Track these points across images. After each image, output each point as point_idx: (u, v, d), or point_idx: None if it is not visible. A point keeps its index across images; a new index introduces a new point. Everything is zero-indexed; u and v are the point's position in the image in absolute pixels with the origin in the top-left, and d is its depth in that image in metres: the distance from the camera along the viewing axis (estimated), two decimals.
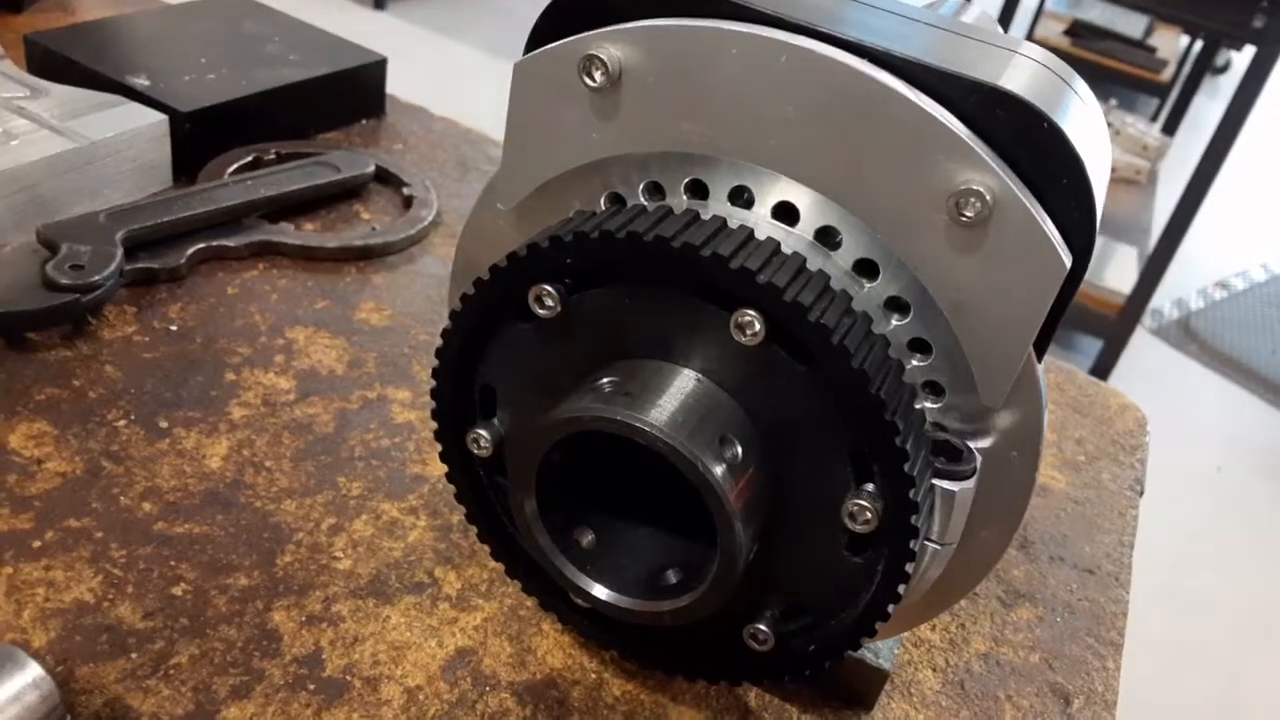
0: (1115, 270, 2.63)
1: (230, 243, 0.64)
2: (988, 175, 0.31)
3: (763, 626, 0.37)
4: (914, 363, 0.36)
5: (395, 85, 0.85)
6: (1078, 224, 0.32)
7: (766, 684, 0.45)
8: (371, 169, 0.73)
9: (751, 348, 0.32)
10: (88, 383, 0.53)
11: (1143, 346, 2.64)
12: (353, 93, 0.81)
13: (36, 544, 0.45)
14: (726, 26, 0.33)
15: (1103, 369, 2.44)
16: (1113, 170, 3.02)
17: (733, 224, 0.34)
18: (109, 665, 0.41)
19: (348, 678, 0.42)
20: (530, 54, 0.36)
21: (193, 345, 0.57)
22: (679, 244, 0.32)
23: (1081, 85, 0.36)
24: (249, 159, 0.71)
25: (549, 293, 0.34)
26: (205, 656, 0.42)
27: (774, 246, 0.33)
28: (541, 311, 0.35)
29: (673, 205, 0.37)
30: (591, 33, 0.34)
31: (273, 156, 0.73)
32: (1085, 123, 0.34)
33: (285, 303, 0.62)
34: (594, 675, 0.45)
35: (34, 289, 0.55)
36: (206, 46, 0.77)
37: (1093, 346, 2.48)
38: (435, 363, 0.39)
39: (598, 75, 0.34)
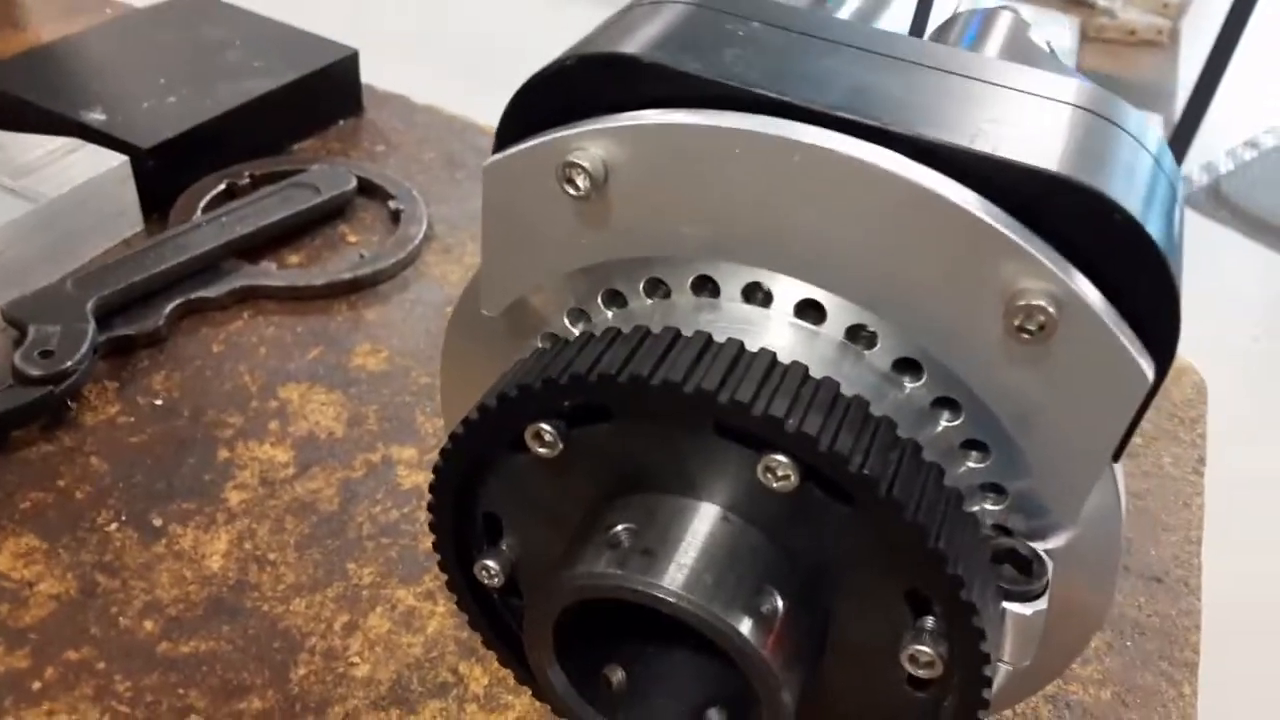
0: None
1: (210, 293, 0.60)
2: (1050, 281, 0.26)
3: None
4: (969, 464, 0.31)
5: (370, 64, 0.78)
6: (1159, 319, 0.27)
7: None
8: (353, 185, 0.68)
9: (785, 491, 0.28)
10: (73, 481, 0.50)
11: None
12: (326, 94, 0.75)
13: (36, 685, 0.42)
14: (725, 123, 0.27)
15: None
16: (1131, 33, 2.88)
17: (753, 339, 0.29)
18: None
19: None
20: (500, 154, 0.31)
21: (181, 420, 0.54)
22: (691, 389, 0.27)
23: (1133, 119, 0.30)
24: (222, 187, 0.67)
25: (548, 431, 0.30)
26: None
27: (801, 375, 0.28)
28: (540, 450, 0.31)
29: (679, 304, 0.32)
30: (568, 131, 0.29)
31: (247, 181, 0.68)
32: (1152, 184, 0.29)
33: (275, 356, 0.58)
34: None
35: (5, 383, 0.51)
36: (164, 63, 0.71)
37: None
38: (432, 486, 0.35)
39: (580, 182, 0.29)
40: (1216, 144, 2.78)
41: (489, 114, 0.80)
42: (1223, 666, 0.59)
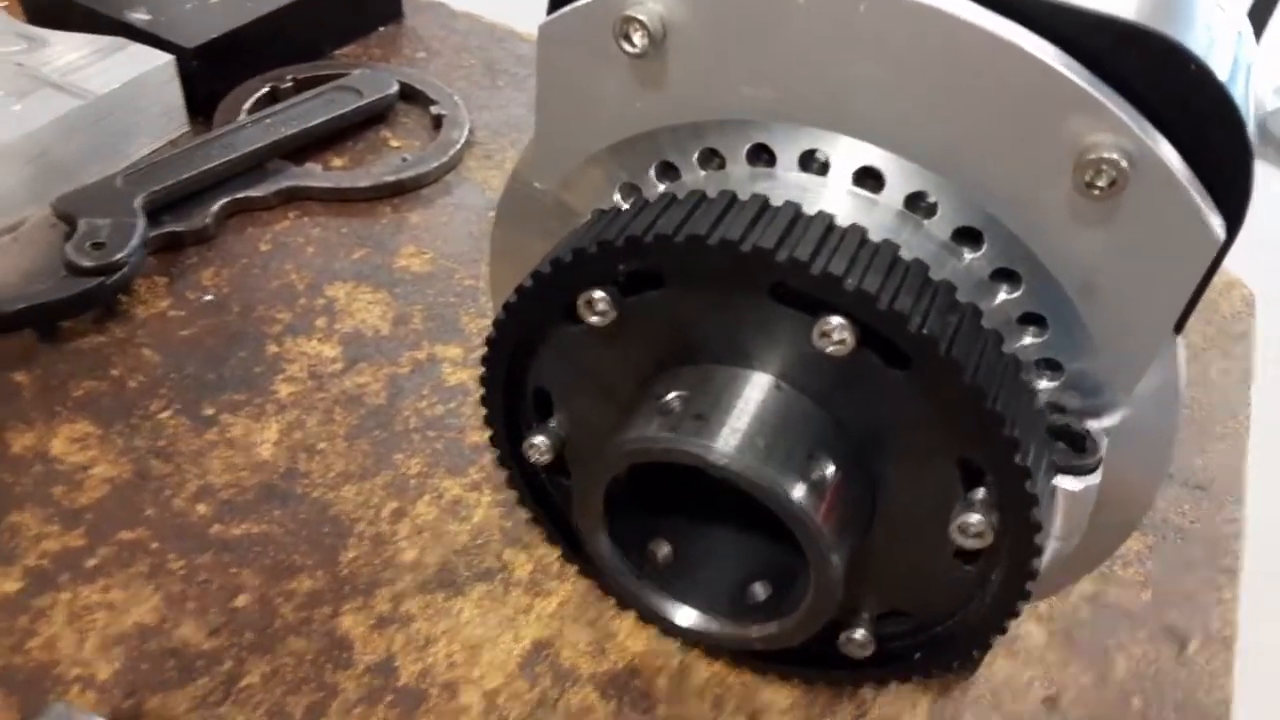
0: None
1: (257, 192, 0.60)
2: (1122, 135, 0.25)
3: (861, 632, 0.34)
4: (1027, 340, 0.31)
5: None
6: (1231, 179, 0.27)
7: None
8: (395, 89, 0.67)
9: (839, 356, 0.28)
10: (126, 371, 0.51)
11: None
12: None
13: (92, 563, 0.43)
14: None
15: None
16: None
17: (809, 206, 0.29)
18: (179, 694, 0.39)
19: (424, 685, 0.41)
20: (555, 13, 0.30)
21: (230, 316, 0.54)
22: (749, 247, 0.27)
23: None
24: (265, 90, 0.66)
25: (601, 299, 0.30)
26: (276, 674, 0.40)
27: (860, 237, 0.28)
28: (594, 319, 0.31)
29: (733, 175, 0.32)
30: None
31: (290, 84, 0.67)
32: (1231, 44, 0.28)
33: (321, 255, 0.58)
34: (677, 659, 0.42)
35: (57, 273, 0.52)
36: None
37: None
38: (481, 368, 0.35)
39: (638, 39, 0.29)
40: (1263, 81, 2.69)
41: (528, 21, 0.79)
42: (1266, 575, 0.59)
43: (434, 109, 0.67)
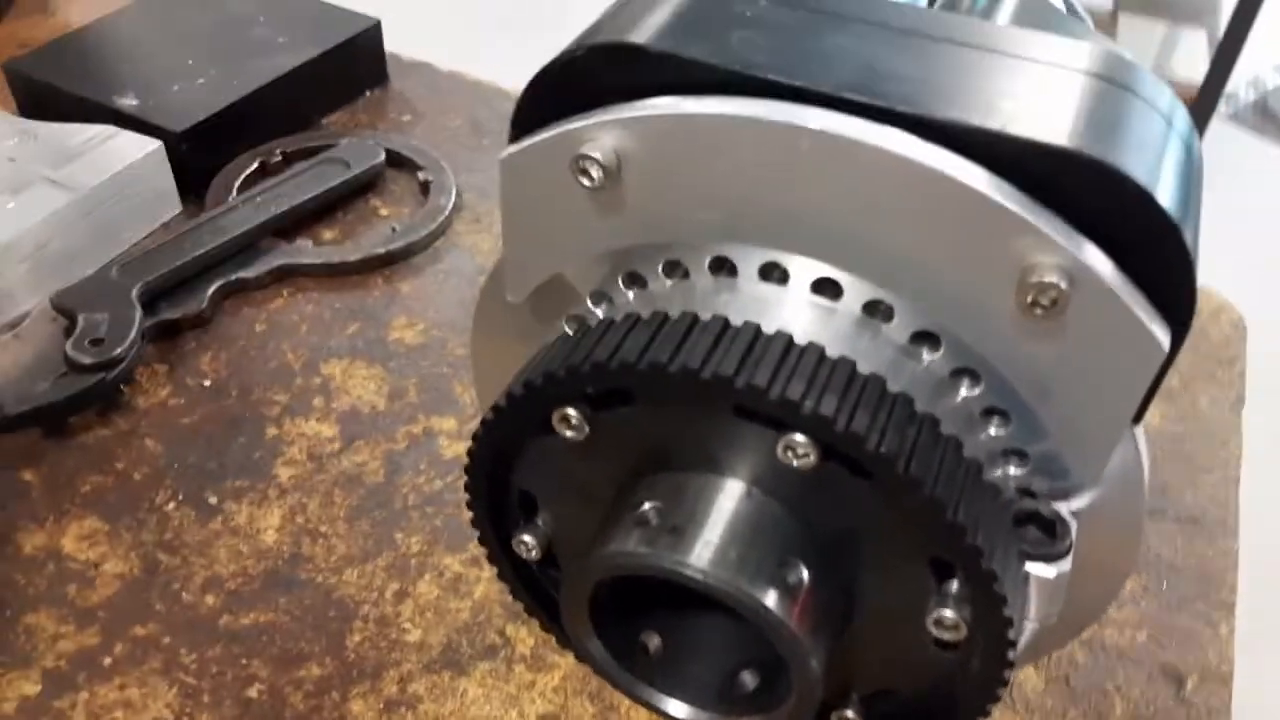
0: (1184, 59, 2.43)
1: (250, 273, 0.61)
2: (1060, 256, 0.26)
3: (850, 713, 0.35)
4: (991, 431, 0.32)
5: (393, 33, 0.78)
6: (1174, 287, 0.27)
7: None
8: (382, 158, 0.68)
9: (805, 469, 0.29)
10: (130, 464, 0.52)
11: (1219, 136, 2.46)
12: (351, 66, 0.76)
13: (107, 661, 0.44)
14: (732, 111, 0.28)
15: None
16: None
17: (770, 318, 0.30)
18: None
19: None
20: (515, 147, 0.31)
21: (229, 400, 0.56)
22: (709, 375, 0.28)
23: (1147, 83, 0.30)
24: (254, 166, 0.68)
25: (574, 415, 0.31)
26: None
27: (818, 355, 0.28)
28: (568, 433, 0.32)
29: (697, 285, 0.33)
30: (579, 123, 0.29)
31: (279, 158, 0.69)
32: (1164, 147, 0.28)
33: (316, 333, 0.60)
34: None
35: (59, 368, 0.54)
36: (192, 42, 0.72)
37: None
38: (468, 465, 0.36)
39: (594, 173, 0.30)
40: (1263, 58, 2.67)
41: (513, 78, 0.80)
42: (1262, 606, 0.59)
43: (421, 175, 0.68)
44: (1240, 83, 2.61)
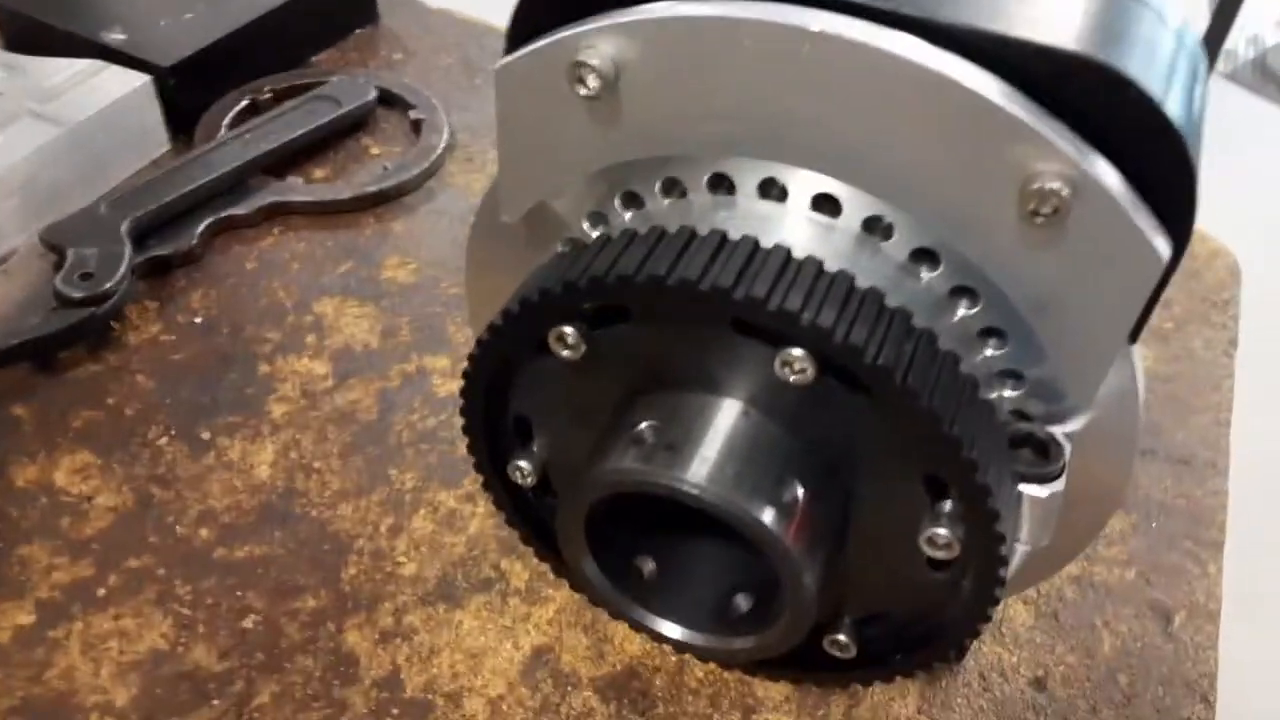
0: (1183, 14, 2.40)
1: (240, 210, 0.60)
2: (1064, 164, 0.26)
3: (843, 636, 0.35)
4: (988, 352, 0.32)
5: None
6: (1175, 196, 0.27)
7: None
8: (374, 95, 0.68)
9: (803, 385, 0.29)
10: (122, 399, 0.52)
11: (1217, 94, 2.45)
12: (340, 3, 0.74)
13: (102, 592, 0.44)
14: (735, 13, 0.27)
15: None
16: None
17: (769, 234, 0.29)
18: (194, 716, 0.41)
19: (430, 696, 0.42)
20: (512, 55, 0.30)
21: (221, 337, 0.55)
22: (707, 286, 0.28)
23: None
24: (245, 103, 0.67)
25: (571, 334, 0.31)
26: (286, 693, 0.42)
27: (816, 269, 0.28)
28: (565, 353, 0.31)
29: (695, 203, 0.32)
30: (578, 28, 0.29)
31: (269, 95, 0.68)
32: (1172, 60, 0.28)
33: (307, 271, 0.59)
34: (674, 659, 0.44)
35: (49, 304, 0.53)
36: None
37: None
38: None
39: (591, 82, 0.29)
40: (1264, 15, 2.65)
41: (504, 15, 0.79)
42: (1250, 546, 0.60)
43: (413, 114, 0.68)
44: (1239, 40, 2.59)
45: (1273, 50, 2.66)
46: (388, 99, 0.69)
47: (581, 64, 0.29)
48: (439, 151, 0.66)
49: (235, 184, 0.61)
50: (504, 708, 0.42)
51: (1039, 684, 0.45)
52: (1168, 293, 0.64)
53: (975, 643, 0.45)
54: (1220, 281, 0.64)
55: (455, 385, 0.53)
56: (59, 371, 0.53)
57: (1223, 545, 0.51)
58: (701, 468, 0.30)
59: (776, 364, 0.28)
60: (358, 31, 0.76)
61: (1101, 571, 0.49)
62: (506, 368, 0.34)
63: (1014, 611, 0.47)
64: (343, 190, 0.62)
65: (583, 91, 0.29)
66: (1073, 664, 0.45)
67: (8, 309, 0.53)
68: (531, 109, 0.31)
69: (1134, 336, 0.30)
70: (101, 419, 0.51)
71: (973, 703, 0.44)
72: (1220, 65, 2.49)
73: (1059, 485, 0.31)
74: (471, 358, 0.33)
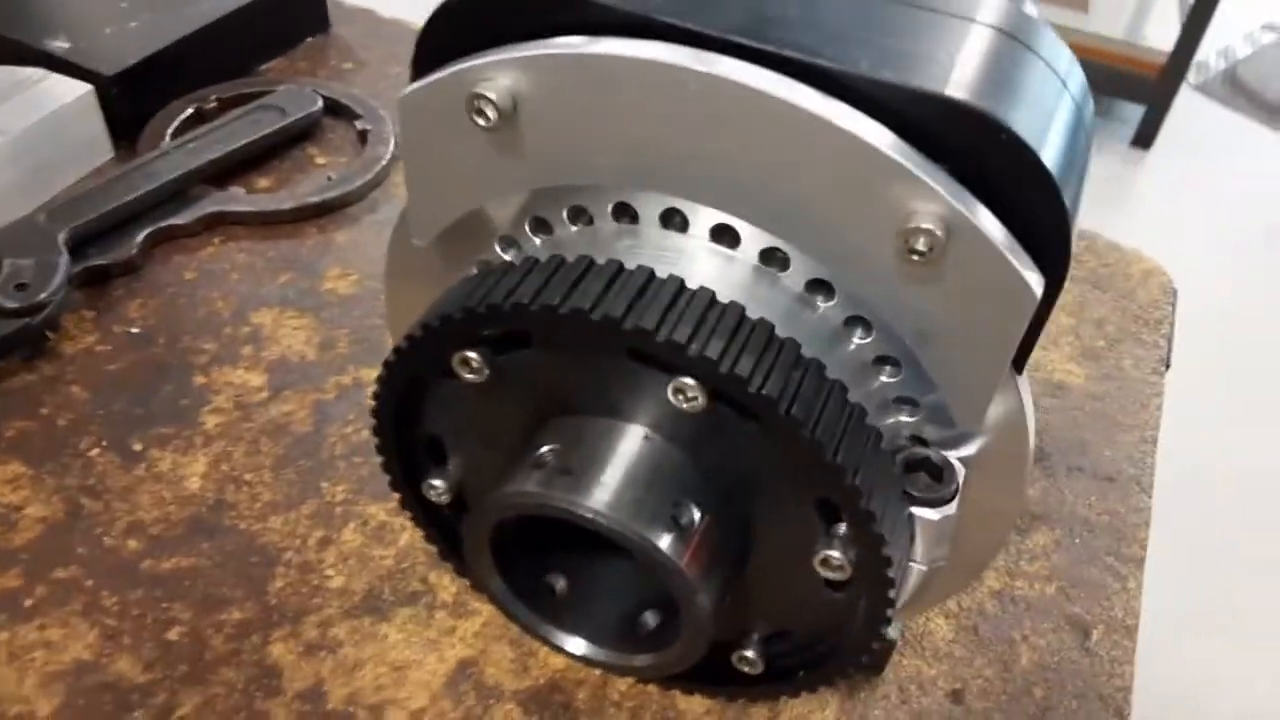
0: (1154, 26, 2.43)
1: (181, 220, 0.61)
2: (940, 205, 0.27)
3: (750, 653, 0.36)
4: (883, 379, 0.32)
5: None
6: (1049, 236, 0.28)
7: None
8: (319, 106, 0.68)
9: (696, 412, 0.29)
10: (55, 409, 0.52)
11: (1188, 106, 2.47)
12: (291, 11, 0.75)
13: (29, 602, 0.45)
14: (620, 52, 0.28)
15: (1146, 136, 2.31)
16: None
17: (669, 264, 0.30)
18: None
19: (351, 709, 0.43)
20: (411, 87, 0.31)
21: (157, 348, 0.55)
22: (599, 316, 0.28)
23: (1047, 41, 0.30)
24: (189, 112, 0.67)
25: (474, 358, 0.31)
26: (208, 704, 0.42)
27: (708, 300, 0.29)
28: (469, 376, 0.32)
29: (600, 230, 0.33)
30: (474, 61, 0.29)
31: (214, 105, 0.68)
32: (1053, 107, 0.29)
33: (247, 282, 0.59)
34: (597, 673, 0.44)
35: None
36: None
37: (1134, 112, 2.33)
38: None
39: (489, 113, 0.30)
40: (1233, 28, 2.68)
41: None
42: (1172, 562, 0.61)
43: (359, 124, 0.68)
44: (1210, 52, 2.62)
45: (1243, 63, 2.69)
46: (334, 109, 0.69)
47: (479, 95, 0.29)
48: (384, 162, 0.66)
49: (177, 193, 0.61)
50: None
51: (956, 696, 0.46)
52: (1100, 311, 0.65)
53: (895, 656, 0.46)
54: (1153, 301, 0.65)
55: None
56: None
57: (1143, 561, 0.52)
58: (601, 494, 0.30)
59: (670, 391, 0.29)
60: (309, 40, 0.76)
61: (1023, 586, 0.50)
62: (416, 388, 0.34)
63: (935, 625, 0.48)
64: (285, 200, 0.63)
65: (481, 123, 0.30)
66: (990, 677, 0.46)
67: None
68: (434, 138, 0.31)
69: (1019, 366, 0.31)
70: (34, 429, 0.51)
71: (891, 714, 0.44)
72: (1191, 77, 2.52)
73: (951, 509, 0.32)
74: (380, 379, 0.34)
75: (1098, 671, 0.47)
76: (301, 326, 0.57)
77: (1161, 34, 2.28)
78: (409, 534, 0.49)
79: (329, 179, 0.65)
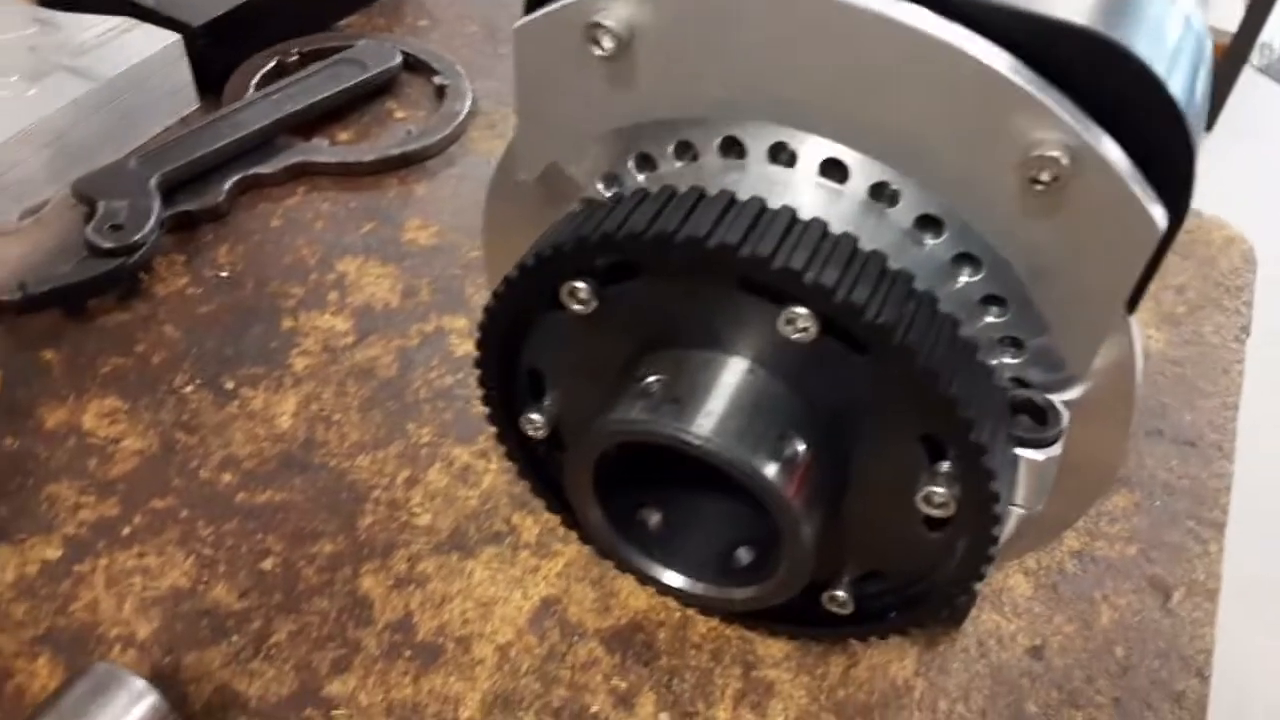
0: (1218, 7, 2.36)
1: (266, 169, 0.62)
2: (1064, 133, 0.27)
3: (841, 592, 0.36)
4: (989, 319, 0.32)
5: None
6: (1173, 169, 0.28)
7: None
8: (399, 60, 0.69)
9: (805, 343, 0.29)
10: (149, 347, 0.53)
11: (1250, 87, 2.41)
12: None
13: (126, 530, 0.46)
14: None
15: (1208, 118, 2.26)
16: None
17: (778, 197, 0.30)
18: (213, 651, 0.42)
19: (440, 640, 0.44)
20: (530, 16, 0.31)
21: (245, 292, 0.57)
22: (714, 244, 0.28)
23: None
24: (271, 65, 0.68)
25: (582, 288, 0.32)
26: (302, 632, 0.43)
27: (821, 230, 0.29)
28: (576, 307, 0.32)
29: (706, 166, 0.33)
30: None
31: (295, 58, 0.69)
32: (1176, 37, 0.28)
33: (331, 230, 0.60)
34: (678, 614, 0.45)
35: (79, 253, 0.54)
36: None
37: None
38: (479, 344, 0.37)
39: (606, 42, 0.30)
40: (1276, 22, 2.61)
41: None
42: (1251, 530, 0.60)
43: (437, 79, 0.68)
44: (1276, 33, 2.55)
45: None
46: (412, 64, 0.70)
47: (597, 25, 0.29)
48: (462, 117, 0.66)
49: (262, 143, 0.62)
50: (512, 654, 0.43)
51: (1036, 652, 0.46)
52: (1181, 278, 0.64)
53: (974, 610, 0.46)
54: (1234, 268, 0.64)
55: (472, 346, 0.55)
56: (88, 319, 0.54)
57: (1224, 526, 0.51)
58: (706, 421, 0.31)
59: (780, 322, 0.29)
60: None
61: (1103, 547, 0.49)
62: (521, 321, 0.35)
63: (1014, 582, 0.48)
64: (367, 152, 0.64)
65: (598, 52, 0.30)
66: (1070, 634, 0.46)
67: (39, 257, 0.55)
68: (548, 69, 0.32)
69: (1132, 306, 0.31)
70: (129, 366, 0.52)
71: (970, 667, 0.45)
72: (1254, 59, 2.45)
73: (1055, 450, 0.32)
74: (487, 310, 0.34)
75: (1179, 633, 0.47)
76: (385, 275, 0.58)
77: (1225, 15, 2.22)
78: (492, 477, 0.49)
79: (408, 132, 0.65)
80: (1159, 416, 0.55)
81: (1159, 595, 0.48)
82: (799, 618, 0.39)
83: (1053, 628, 0.46)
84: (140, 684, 0.37)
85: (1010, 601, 0.47)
